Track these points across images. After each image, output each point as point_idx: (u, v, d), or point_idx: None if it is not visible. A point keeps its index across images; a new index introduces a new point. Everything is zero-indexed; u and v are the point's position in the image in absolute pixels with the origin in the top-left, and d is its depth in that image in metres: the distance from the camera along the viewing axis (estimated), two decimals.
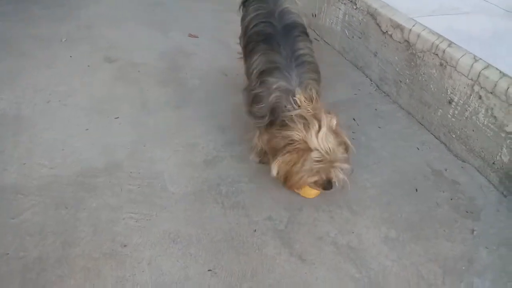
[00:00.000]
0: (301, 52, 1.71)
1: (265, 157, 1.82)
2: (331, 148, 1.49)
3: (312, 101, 1.58)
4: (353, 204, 1.75)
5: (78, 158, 1.90)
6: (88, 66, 2.60)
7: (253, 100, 1.70)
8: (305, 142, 1.49)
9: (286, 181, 1.61)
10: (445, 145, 2.11)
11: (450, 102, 2.05)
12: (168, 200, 1.72)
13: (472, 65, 1.89)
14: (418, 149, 2.09)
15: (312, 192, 1.74)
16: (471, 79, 1.90)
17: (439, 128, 2.15)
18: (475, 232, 1.65)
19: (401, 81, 2.37)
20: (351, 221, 1.68)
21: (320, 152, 1.48)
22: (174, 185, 1.79)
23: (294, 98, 1.57)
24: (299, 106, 1.56)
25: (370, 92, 2.52)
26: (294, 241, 1.59)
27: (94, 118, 2.16)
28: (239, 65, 2.11)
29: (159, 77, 2.52)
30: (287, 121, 1.55)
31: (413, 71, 2.26)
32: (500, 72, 1.80)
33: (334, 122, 1.53)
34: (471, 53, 1.94)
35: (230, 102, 2.29)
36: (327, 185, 1.58)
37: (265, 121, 1.66)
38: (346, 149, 1.57)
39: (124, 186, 1.77)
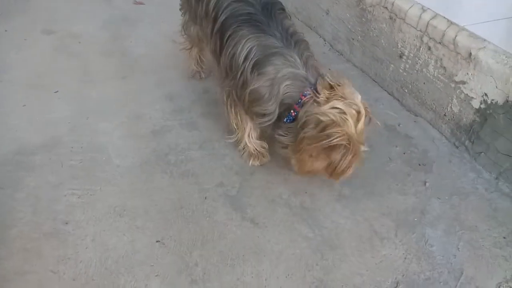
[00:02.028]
0: (292, 30, 1.51)
1: (264, 158, 1.70)
2: (363, 134, 1.33)
3: (333, 88, 1.34)
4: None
5: (14, 136, 1.78)
6: (25, 39, 2.43)
7: (251, 98, 1.45)
8: (349, 136, 1.28)
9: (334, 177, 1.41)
10: (398, 100, 2.08)
11: (401, 56, 2.01)
12: (113, 173, 1.64)
13: (420, 15, 1.85)
14: (371, 106, 2.04)
15: None
16: (420, 30, 1.86)
17: (392, 84, 2.12)
18: (427, 184, 1.65)
19: (353, 39, 2.31)
20: (305, 181, 1.65)
21: (358, 141, 1.31)
22: (120, 157, 1.70)
23: (314, 89, 1.36)
24: (326, 99, 1.33)
25: (324, 52, 2.46)
26: (246, 206, 1.54)
27: (31, 93, 2.02)
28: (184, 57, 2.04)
29: (102, 47, 2.37)
30: (319, 116, 1.31)
31: (364, 27, 2.21)
32: (448, 20, 1.77)
33: (359, 97, 1.34)
34: (419, 3, 1.90)
35: (178, 69, 2.19)
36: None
37: (274, 117, 1.45)
38: (369, 123, 1.40)
39: (65, 162, 1.67)
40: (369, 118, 1.37)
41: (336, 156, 1.30)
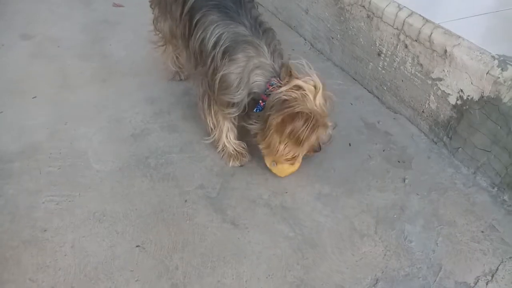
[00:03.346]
0: (260, 19, 1.53)
1: (244, 158, 1.70)
2: (325, 109, 1.44)
3: (292, 72, 1.45)
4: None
5: None
6: (2, 44, 2.39)
7: (221, 85, 1.46)
8: (311, 111, 1.39)
9: (283, 153, 1.50)
10: (378, 98, 2.10)
11: (379, 54, 2.03)
12: (93, 178, 1.62)
13: (397, 13, 1.87)
14: (351, 104, 2.07)
15: (289, 170, 1.63)
16: (397, 28, 1.88)
17: (371, 82, 2.14)
18: (406, 181, 1.67)
19: (333, 38, 2.33)
20: (285, 181, 1.65)
21: (320, 114, 1.42)
22: (99, 162, 1.69)
23: (278, 76, 1.45)
24: (286, 82, 1.42)
25: (304, 51, 2.47)
26: (227, 207, 1.54)
27: (8, 100, 1.99)
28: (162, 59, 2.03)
29: (81, 51, 2.35)
30: (283, 96, 1.40)
31: (343, 26, 2.22)
32: (423, 18, 1.79)
33: (315, 74, 1.45)
34: (395, 1, 1.91)
35: (158, 72, 2.18)
36: (318, 147, 1.55)
37: (241, 107, 1.49)
38: (329, 100, 1.49)
39: (44, 169, 1.65)
40: (328, 98, 1.47)
41: (298, 122, 1.38)
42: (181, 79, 2.12)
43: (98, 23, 2.61)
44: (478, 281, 1.34)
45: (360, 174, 1.69)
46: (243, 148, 1.71)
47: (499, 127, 1.56)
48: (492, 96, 1.56)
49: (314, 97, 1.40)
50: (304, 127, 1.39)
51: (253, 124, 1.51)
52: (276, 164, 1.61)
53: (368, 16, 2.02)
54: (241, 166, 1.69)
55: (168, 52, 2.01)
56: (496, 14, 1.88)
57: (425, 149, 1.81)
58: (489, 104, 1.58)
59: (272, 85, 1.44)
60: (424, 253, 1.41)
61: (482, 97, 1.59)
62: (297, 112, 1.38)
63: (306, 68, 1.45)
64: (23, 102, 1.98)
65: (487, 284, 1.33)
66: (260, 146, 1.56)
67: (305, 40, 2.55)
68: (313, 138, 1.45)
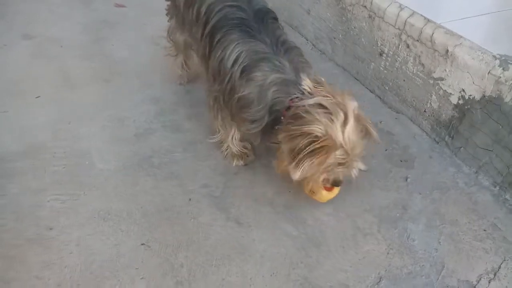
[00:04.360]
0: (284, 37, 1.46)
1: (249, 157, 1.71)
2: (355, 144, 1.23)
3: (322, 85, 1.30)
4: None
5: None
6: (4, 45, 2.40)
7: (239, 104, 1.41)
8: (331, 137, 1.20)
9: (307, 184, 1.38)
10: (380, 98, 2.11)
11: (381, 54, 2.04)
12: (97, 177, 1.63)
13: (398, 14, 1.88)
14: None
15: (328, 196, 1.51)
16: (398, 28, 1.89)
17: (373, 82, 2.15)
18: (408, 180, 1.68)
19: (335, 38, 2.34)
20: (289, 180, 1.64)
21: (345, 150, 1.22)
22: (103, 161, 1.70)
23: (300, 86, 1.31)
24: (309, 93, 1.28)
25: (306, 51, 2.46)
26: (231, 206, 1.55)
27: (11, 100, 2.00)
28: (167, 62, 2.02)
29: (83, 51, 2.36)
30: (302, 113, 1.24)
31: (345, 26, 2.23)
32: (425, 18, 1.80)
33: (355, 104, 1.26)
34: (396, 1, 1.92)
35: (162, 72, 2.19)
36: (336, 183, 1.39)
37: (263, 124, 1.40)
38: (366, 135, 1.31)
39: (48, 168, 1.66)
40: (365, 129, 1.29)
41: (302, 141, 1.21)
42: (185, 82, 2.12)
43: (99, 23, 2.62)
44: (480, 279, 1.35)
45: (363, 173, 1.69)
46: (247, 148, 1.71)
47: (500, 127, 1.57)
48: (494, 96, 1.57)
49: (342, 127, 1.20)
50: (306, 148, 1.21)
51: (275, 143, 1.41)
52: (313, 191, 1.48)
53: (370, 16, 2.03)
54: (245, 165, 1.69)
55: (178, 62, 2.01)
56: (497, 14, 1.90)
57: (427, 148, 1.83)
58: (490, 103, 1.59)
59: (293, 100, 1.32)
60: (426, 252, 1.42)
61: (484, 96, 1.60)
62: (304, 132, 1.22)
63: (340, 91, 1.28)
64: (25, 102, 1.98)
65: (489, 282, 1.34)
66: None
67: (307, 40, 2.56)
68: (313, 166, 1.24)
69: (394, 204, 1.58)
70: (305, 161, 1.22)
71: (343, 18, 2.22)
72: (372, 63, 2.11)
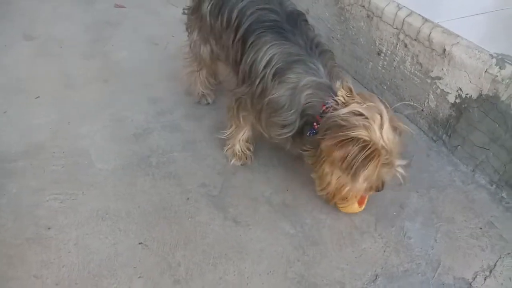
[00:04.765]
0: (317, 40, 1.45)
1: (247, 159, 1.70)
2: (394, 144, 1.24)
3: (353, 92, 1.31)
4: (289, 162, 1.73)
5: None
6: (5, 45, 2.41)
7: (269, 107, 1.37)
8: (375, 141, 1.21)
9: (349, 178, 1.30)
10: (378, 97, 2.11)
11: (379, 54, 2.05)
12: (96, 177, 1.64)
13: (396, 13, 1.89)
14: None
15: (358, 209, 1.51)
16: (396, 28, 1.90)
17: (371, 81, 2.15)
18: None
19: (333, 37, 2.34)
20: (287, 179, 1.67)
21: (387, 151, 1.23)
22: (102, 161, 1.71)
23: (334, 95, 1.30)
24: (344, 103, 1.28)
25: None
26: (229, 205, 1.56)
27: (12, 99, 2.01)
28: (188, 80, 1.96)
29: (83, 51, 2.37)
30: (340, 121, 1.23)
31: (343, 26, 2.24)
32: (423, 18, 1.81)
33: (386, 106, 1.28)
34: (394, 1, 1.93)
35: (161, 72, 2.21)
36: (381, 186, 1.36)
37: (294, 128, 1.37)
38: (400, 134, 1.31)
39: (47, 167, 1.67)
40: (399, 131, 1.30)
41: (352, 148, 1.20)
42: (208, 103, 2.00)
43: (100, 23, 2.63)
44: (476, 276, 1.36)
45: None
46: (249, 150, 1.71)
47: (497, 125, 1.58)
48: (491, 94, 1.57)
49: (380, 129, 1.22)
50: (359, 155, 1.20)
51: (306, 151, 1.38)
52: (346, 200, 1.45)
53: (368, 16, 2.04)
54: (242, 165, 1.70)
55: (202, 77, 1.92)
56: (495, 13, 1.90)
57: (425, 147, 1.83)
58: (487, 102, 1.59)
59: (327, 105, 1.30)
60: (423, 250, 1.43)
61: (481, 95, 1.61)
62: (353, 137, 1.20)
63: (367, 95, 1.31)
64: (26, 102, 2.00)
65: (485, 279, 1.35)
66: (313, 176, 1.44)
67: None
68: (370, 172, 1.24)
69: (391, 203, 1.58)
70: (361, 169, 1.22)
71: (342, 17, 2.22)
72: (370, 63, 2.12)
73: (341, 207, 1.51)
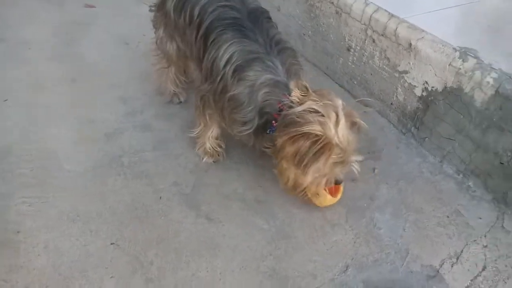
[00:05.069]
0: (278, 37, 1.46)
1: (219, 156, 1.71)
2: (349, 141, 1.27)
3: (308, 90, 1.33)
4: (261, 160, 1.73)
5: None
6: None
7: (230, 104, 1.40)
8: (327, 137, 1.23)
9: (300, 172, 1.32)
10: (349, 92, 2.15)
11: (348, 49, 2.08)
12: (65, 179, 1.62)
13: (364, 9, 1.92)
14: None
15: (331, 201, 1.52)
16: (364, 24, 1.93)
17: (342, 76, 2.18)
18: (376, 171, 1.71)
19: (304, 34, 2.37)
20: (259, 176, 1.68)
21: (341, 148, 1.26)
22: (71, 163, 1.69)
23: (290, 95, 1.32)
24: (299, 101, 1.30)
25: None
26: (201, 203, 1.56)
27: None
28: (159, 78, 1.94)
29: (53, 53, 2.34)
30: (295, 118, 1.26)
31: (314, 23, 2.26)
32: (389, 13, 1.84)
33: (340, 103, 1.30)
34: None
35: (132, 72, 2.19)
36: (338, 182, 1.41)
37: (253, 126, 1.40)
38: (358, 130, 1.34)
39: (15, 171, 1.64)
40: (357, 126, 1.33)
41: (304, 143, 1.23)
42: (180, 101, 2.00)
43: (70, 24, 2.59)
44: (443, 263, 1.39)
45: None
46: (221, 147, 1.72)
47: (462, 116, 1.62)
48: (455, 87, 1.62)
49: (336, 126, 1.24)
50: (310, 149, 1.23)
51: (267, 148, 1.42)
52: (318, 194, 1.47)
53: (337, 12, 2.06)
54: (214, 162, 1.70)
55: (171, 74, 1.90)
56: (467, 6, 1.95)
57: (394, 140, 1.87)
58: (452, 94, 1.64)
59: (282, 103, 1.33)
60: (392, 239, 1.46)
61: (446, 88, 1.65)
62: (305, 132, 1.23)
63: (324, 92, 1.33)
64: None
65: (452, 266, 1.39)
66: (274, 171, 1.46)
67: (279, 33, 2.57)
68: (320, 165, 1.26)
69: (361, 195, 1.61)
70: (312, 163, 1.25)
71: (312, 14, 2.25)
72: (341, 58, 2.15)
73: (316, 202, 1.52)
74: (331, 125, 1.23)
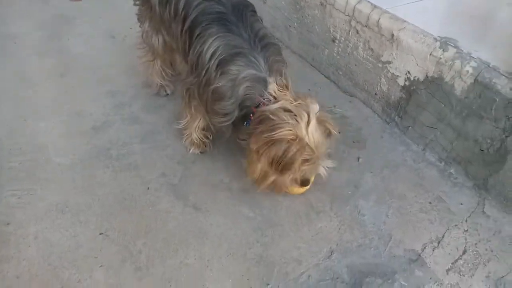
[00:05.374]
0: (263, 32, 1.48)
1: (206, 147, 1.74)
2: (319, 142, 1.33)
3: (287, 89, 1.39)
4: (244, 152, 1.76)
5: None
6: None
7: (213, 96, 1.44)
8: (299, 137, 1.29)
9: (275, 184, 1.43)
10: (334, 83, 2.18)
11: (333, 41, 2.10)
12: (54, 172, 1.64)
13: (347, 0, 1.94)
14: (309, 90, 2.14)
15: (299, 190, 1.56)
16: (348, 15, 1.95)
17: (328, 67, 2.21)
18: (360, 160, 1.75)
19: (290, 26, 2.39)
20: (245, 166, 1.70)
21: (311, 148, 1.32)
22: (60, 156, 1.70)
23: (267, 90, 1.38)
24: (274, 98, 1.37)
25: None
26: (189, 193, 1.59)
27: None
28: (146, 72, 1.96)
29: (39, 47, 2.34)
30: (269, 115, 1.33)
31: (299, 14, 2.28)
32: (372, 4, 1.87)
33: (317, 107, 1.35)
34: None
35: (119, 65, 2.20)
36: (305, 182, 1.46)
37: (233, 117, 1.45)
38: (329, 135, 1.40)
39: (4, 164, 1.66)
40: (328, 130, 1.38)
41: (278, 150, 1.30)
42: (167, 94, 2.02)
43: (55, 18, 2.59)
44: (425, 248, 1.44)
45: None
46: (208, 138, 1.74)
47: (443, 105, 1.66)
48: (436, 76, 1.65)
49: (307, 126, 1.30)
50: (283, 156, 1.30)
51: (243, 140, 1.47)
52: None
53: (322, 4, 2.09)
54: (201, 153, 1.73)
55: (156, 67, 1.92)
56: None
57: (379, 129, 1.91)
58: (433, 83, 1.67)
59: (261, 98, 1.38)
60: (375, 225, 1.50)
61: (427, 77, 1.69)
62: (277, 139, 1.29)
63: (299, 94, 1.38)
64: None
65: (433, 250, 1.43)
66: (244, 162, 1.52)
67: (264, 28, 2.59)
68: (294, 169, 1.35)
69: (346, 183, 1.65)
70: (289, 166, 1.33)
71: (297, 6, 2.27)
72: (326, 50, 2.18)
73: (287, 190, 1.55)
74: (302, 124, 1.30)
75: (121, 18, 2.50)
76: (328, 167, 1.43)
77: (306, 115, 1.31)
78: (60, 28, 2.49)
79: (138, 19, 1.83)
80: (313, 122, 1.31)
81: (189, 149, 1.73)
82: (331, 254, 1.41)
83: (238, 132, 1.50)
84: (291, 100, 1.35)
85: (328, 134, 1.40)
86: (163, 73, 1.95)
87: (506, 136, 1.48)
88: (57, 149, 1.73)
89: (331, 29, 2.09)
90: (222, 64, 1.40)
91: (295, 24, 2.34)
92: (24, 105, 1.94)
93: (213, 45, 1.41)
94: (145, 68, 1.96)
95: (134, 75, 2.13)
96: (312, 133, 1.31)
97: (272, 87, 1.38)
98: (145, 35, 1.82)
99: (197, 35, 1.46)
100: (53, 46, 2.35)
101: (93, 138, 1.79)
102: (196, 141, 1.73)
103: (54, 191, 1.57)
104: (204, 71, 1.44)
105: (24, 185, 1.58)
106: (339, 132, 1.45)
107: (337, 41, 2.09)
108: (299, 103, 1.34)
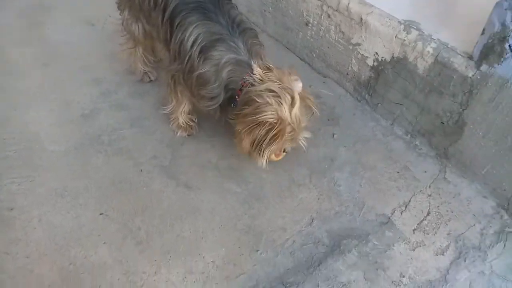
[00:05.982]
0: (239, 19, 1.58)
1: (192, 130, 1.84)
2: (300, 120, 1.44)
3: (270, 70, 1.48)
4: (232, 131, 1.88)
5: None
6: None
7: (198, 82, 1.53)
8: (282, 120, 1.40)
9: (257, 154, 1.51)
10: (309, 64, 2.32)
11: (307, 24, 2.23)
12: (49, 159, 1.73)
13: None
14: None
15: (275, 159, 1.69)
16: (320, 0, 2.08)
17: (302, 50, 2.34)
18: (335, 136, 1.91)
19: (265, 10, 2.49)
20: (231, 146, 1.82)
21: (292, 126, 1.44)
22: (53, 144, 1.79)
23: (253, 73, 1.47)
24: (260, 80, 1.46)
25: None
26: (180, 173, 1.72)
27: None
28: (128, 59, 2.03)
29: (19, 36, 2.37)
30: (254, 97, 1.43)
31: None
32: None
33: (300, 85, 1.45)
34: None
35: (101, 52, 2.26)
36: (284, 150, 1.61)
37: (219, 101, 1.55)
38: (310, 111, 1.53)
39: (0, 154, 1.73)
40: (310, 108, 1.50)
41: (260, 131, 1.41)
42: (151, 80, 2.11)
43: (34, 7, 2.60)
44: (394, 212, 1.62)
45: None
46: (193, 121, 1.86)
47: (408, 83, 1.83)
48: (401, 57, 1.81)
49: (290, 107, 1.40)
50: (265, 137, 1.41)
51: (231, 119, 1.57)
52: None
53: None
54: (188, 136, 1.85)
55: (138, 54, 1.99)
56: None
57: (351, 107, 2.07)
58: (399, 63, 1.83)
59: (245, 81, 1.48)
60: (350, 194, 1.67)
61: (393, 57, 1.85)
62: (260, 122, 1.40)
63: (287, 74, 1.47)
64: None
65: (401, 213, 1.62)
66: (234, 140, 1.62)
67: (240, 14, 2.68)
68: (274, 148, 1.46)
69: (323, 157, 1.81)
70: (267, 149, 1.44)
71: None
72: (300, 33, 2.30)
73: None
74: (285, 106, 1.40)
75: (100, 6, 2.55)
76: (306, 137, 1.55)
77: (289, 97, 1.41)
78: (39, 17, 2.52)
79: (118, 7, 1.91)
80: (297, 104, 1.41)
81: (177, 133, 1.84)
82: (312, 221, 1.58)
83: (227, 113, 1.61)
84: (276, 82, 1.44)
85: (308, 108, 1.51)
86: (145, 60, 2.04)
87: (463, 110, 1.66)
88: (50, 137, 1.81)
89: (304, 14, 2.21)
90: (204, 51, 1.49)
91: (270, 8, 2.45)
92: (12, 96, 2.00)
93: (194, 32, 1.50)
94: (127, 56, 2.03)
95: (116, 62, 2.19)
96: (295, 114, 1.42)
97: (257, 70, 1.48)
98: (125, 23, 1.89)
99: (178, 24, 1.54)
100: (33, 35, 2.38)
101: (83, 125, 1.88)
102: (182, 125, 1.84)
103: (52, 177, 1.66)
104: (187, 58, 1.53)
105: (22, 173, 1.67)
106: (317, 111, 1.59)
107: (310, 25, 2.21)
108: (283, 85, 1.43)
